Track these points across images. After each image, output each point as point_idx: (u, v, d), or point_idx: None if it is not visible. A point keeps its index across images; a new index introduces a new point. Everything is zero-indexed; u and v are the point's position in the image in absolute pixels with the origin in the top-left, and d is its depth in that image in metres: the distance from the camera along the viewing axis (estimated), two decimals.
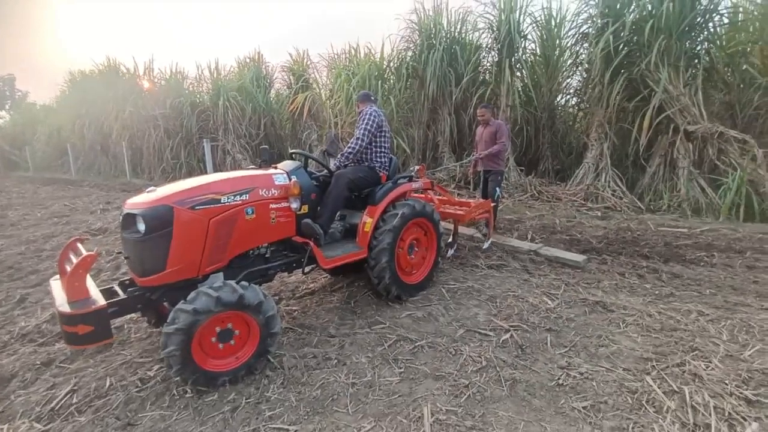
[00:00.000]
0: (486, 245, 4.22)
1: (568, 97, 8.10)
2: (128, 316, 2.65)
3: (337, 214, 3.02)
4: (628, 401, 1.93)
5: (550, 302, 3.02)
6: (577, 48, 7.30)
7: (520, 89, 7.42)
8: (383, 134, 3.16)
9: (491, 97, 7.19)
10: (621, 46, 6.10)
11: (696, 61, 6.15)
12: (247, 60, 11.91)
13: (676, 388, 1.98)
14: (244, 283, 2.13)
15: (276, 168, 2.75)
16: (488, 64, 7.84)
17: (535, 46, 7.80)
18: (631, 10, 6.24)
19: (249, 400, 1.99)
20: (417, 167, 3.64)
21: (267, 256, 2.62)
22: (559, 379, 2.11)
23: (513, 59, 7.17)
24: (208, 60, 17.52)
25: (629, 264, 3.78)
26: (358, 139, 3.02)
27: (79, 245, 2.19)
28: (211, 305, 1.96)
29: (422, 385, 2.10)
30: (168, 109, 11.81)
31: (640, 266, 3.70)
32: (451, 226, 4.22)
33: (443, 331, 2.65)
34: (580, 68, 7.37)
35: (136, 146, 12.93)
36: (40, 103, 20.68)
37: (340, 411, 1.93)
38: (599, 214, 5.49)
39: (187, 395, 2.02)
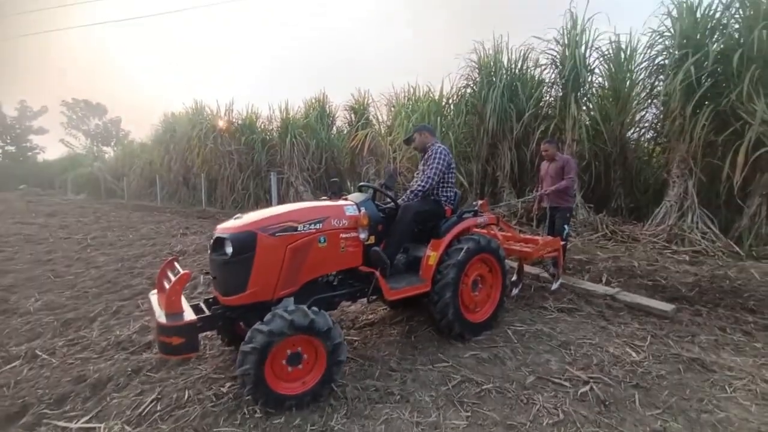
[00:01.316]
0: (555, 286, 3.95)
1: (643, 130, 7.59)
2: (203, 334, 2.84)
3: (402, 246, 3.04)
4: None
5: (634, 354, 2.70)
6: (651, 80, 6.91)
7: (587, 123, 7.13)
8: (451, 171, 3.19)
9: (555, 131, 6.98)
10: (704, 77, 5.66)
11: None
12: (313, 100, 13.02)
13: None
14: (314, 308, 2.20)
15: (346, 199, 2.89)
16: (551, 99, 7.67)
17: (603, 80, 7.54)
18: (714, 39, 5.83)
19: (314, 428, 1.99)
20: (480, 202, 3.58)
21: (334, 284, 2.70)
22: None
23: (579, 93, 6.96)
24: (278, 101, 19.35)
25: (731, 318, 3.28)
26: (429, 178, 3.04)
27: (176, 264, 2.44)
28: (285, 327, 2.04)
29: None
30: (242, 145, 13.14)
31: (746, 321, 3.19)
32: (515, 264, 4.03)
33: (511, 376, 2.47)
34: (655, 101, 6.92)
35: (212, 178, 14.40)
36: (138, 140, 24.11)
37: None
38: (687, 258, 4.89)
39: (257, 415, 2.07)
